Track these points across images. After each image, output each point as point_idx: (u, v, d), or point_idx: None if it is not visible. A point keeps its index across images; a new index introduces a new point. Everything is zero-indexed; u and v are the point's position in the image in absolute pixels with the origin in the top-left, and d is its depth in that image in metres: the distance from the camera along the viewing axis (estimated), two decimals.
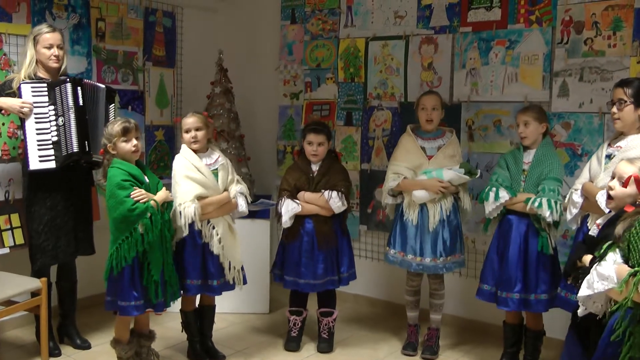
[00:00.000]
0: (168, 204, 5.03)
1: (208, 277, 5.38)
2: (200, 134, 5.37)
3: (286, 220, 5.72)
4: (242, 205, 5.51)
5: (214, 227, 5.35)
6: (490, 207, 5.30)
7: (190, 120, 5.38)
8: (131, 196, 4.81)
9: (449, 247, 5.66)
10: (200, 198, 5.26)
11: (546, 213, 5.03)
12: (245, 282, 5.59)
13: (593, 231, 4.19)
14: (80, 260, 5.81)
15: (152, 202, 4.85)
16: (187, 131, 5.37)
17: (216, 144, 5.69)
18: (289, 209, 5.72)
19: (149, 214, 4.82)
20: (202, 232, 5.33)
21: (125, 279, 4.86)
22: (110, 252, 4.86)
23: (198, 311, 5.69)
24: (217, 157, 5.49)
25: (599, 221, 4.20)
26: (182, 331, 5.74)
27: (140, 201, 4.82)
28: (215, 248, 5.34)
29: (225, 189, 5.46)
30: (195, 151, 5.39)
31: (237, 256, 5.48)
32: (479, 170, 5.76)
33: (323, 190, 5.76)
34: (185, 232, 5.23)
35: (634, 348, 3.51)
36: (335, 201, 5.72)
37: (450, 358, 5.92)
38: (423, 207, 5.66)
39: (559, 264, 5.23)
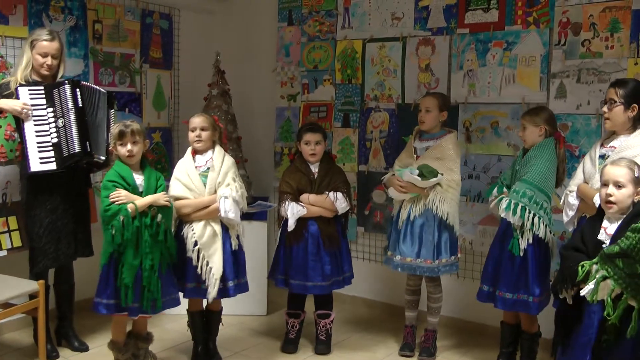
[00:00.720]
0: (160, 209, 4.97)
1: (201, 281, 5.31)
2: (204, 134, 5.37)
3: (292, 224, 5.70)
4: (222, 210, 5.30)
5: (192, 229, 5.30)
6: (489, 201, 5.41)
7: (197, 120, 5.41)
8: (110, 197, 4.83)
9: (443, 249, 5.65)
10: (180, 199, 5.28)
11: (502, 213, 5.10)
12: (245, 290, 5.55)
13: (602, 236, 4.14)
14: (78, 262, 5.79)
15: (129, 205, 4.82)
16: (192, 130, 5.38)
17: (223, 147, 5.61)
18: (294, 212, 5.71)
19: (120, 217, 4.80)
20: (182, 233, 5.31)
21: (102, 276, 4.92)
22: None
23: (204, 314, 5.67)
24: (208, 158, 5.44)
25: (604, 225, 4.17)
26: (187, 330, 5.73)
27: (116, 203, 4.82)
28: (188, 250, 5.27)
29: (215, 192, 5.38)
30: (197, 151, 5.41)
31: (217, 264, 5.29)
32: (440, 174, 5.53)
33: (327, 192, 5.77)
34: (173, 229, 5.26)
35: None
36: (341, 202, 5.77)
37: (447, 359, 5.92)
38: (411, 206, 5.65)
39: (536, 267, 5.14)
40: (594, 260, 3.81)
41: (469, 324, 6.52)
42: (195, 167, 5.38)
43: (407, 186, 5.57)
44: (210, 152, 5.46)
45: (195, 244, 5.26)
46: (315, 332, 6.06)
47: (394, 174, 5.71)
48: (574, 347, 4.07)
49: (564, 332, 4.19)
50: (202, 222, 5.30)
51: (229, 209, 5.31)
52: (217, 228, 5.34)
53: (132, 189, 4.93)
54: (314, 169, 5.86)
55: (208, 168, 5.39)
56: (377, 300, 7.20)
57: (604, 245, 4.01)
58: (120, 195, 4.85)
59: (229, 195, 5.32)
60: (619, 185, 4.02)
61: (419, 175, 5.48)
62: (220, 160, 5.43)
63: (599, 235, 4.15)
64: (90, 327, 6.26)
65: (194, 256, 5.25)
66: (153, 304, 4.97)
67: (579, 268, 3.86)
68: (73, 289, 5.90)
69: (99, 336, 6.09)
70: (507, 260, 5.18)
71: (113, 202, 4.82)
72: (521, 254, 5.10)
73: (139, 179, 5.02)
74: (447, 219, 5.58)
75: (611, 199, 4.03)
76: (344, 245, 5.97)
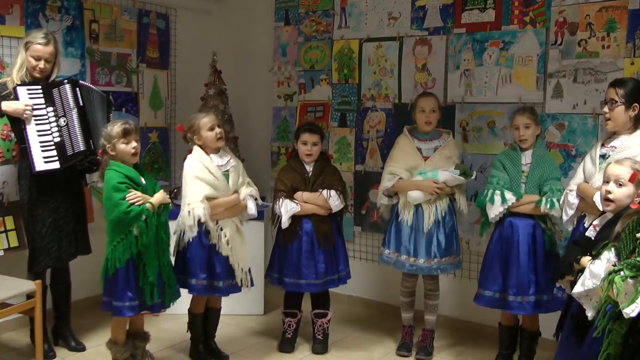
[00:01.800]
0: (165, 206, 5.01)
1: (214, 277, 5.38)
2: (222, 130, 5.45)
3: (286, 221, 5.70)
4: (252, 208, 5.52)
5: (222, 229, 5.36)
6: (497, 210, 5.27)
7: (211, 118, 5.44)
8: (126, 199, 4.79)
9: (444, 248, 5.64)
10: (209, 199, 5.28)
11: (559, 212, 5.05)
12: (252, 285, 5.62)
13: (590, 232, 4.18)
14: (75, 262, 5.78)
15: (147, 205, 4.82)
16: (212, 128, 5.38)
17: (227, 147, 5.69)
18: (288, 209, 5.71)
19: (144, 217, 4.80)
20: (210, 233, 5.33)
21: (120, 279, 4.84)
22: (107, 253, 4.85)
23: (204, 313, 5.70)
24: (228, 158, 5.51)
25: (595, 222, 4.20)
26: (187, 331, 5.75)
27: (136, 204, 4.80)
28: (224, 249, 5.35)
29: (236, 191, 5.48)
30: (212, 150, 5.44)
31: (245, 258, 5.49)
32: (475, 172, 5.77)
33: (321, 190, 5.77)
34: (194, 233, 5.26)
35: (611, 345, 3.52)
36: (334, 200, 5.76)
37: (444, 359, 5.91)
38: (418, 207, 5.65)
39: (551, 263, 5.19)
40: (628, 273, 3.65)
41: (466, 324, 6.51)
42: (216, 166, 5.42)
43: (443, 187, 5.58)
44: (226, 153, 5.54)
45: (228, 242, 5.37)
46: (313, 331, 6.06)
47: (401, 178, 5.69)
48: (565, 325, 4.21)
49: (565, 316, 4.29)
50: (229, 221, 5.43)
51: (254, 208, 5.56)
52: (239, 224, 5.55)
53: (142, 189, 4.94)
54: (309, 168, 5.87)
55: (228, 168, 5.47)
56: (374, 299, 7.19)
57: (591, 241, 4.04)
58: (138, 195, 4.85)
59: (254, 194, 5.58)
60: (619, 184, 4.02)
61: (460, 175, 5.59)
62: (237, 162, 5.60)
63: (587, 232, 4.23)
64: (87, 326, 6.26)
65: (230, 253, 5.38)
66: (171, 298, 5.10)
67: (606, 282, 3.73)
68: (70, 288, 5.88)
69: (95, 336, 6.09)
70: (524, 263, 5.17)
71: (133, 204, 4.80)
72: (559, 251, 5.16)
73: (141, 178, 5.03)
74: (462, 215, 5.78)
75: (610, 196, 4.03)
76: (340, 244, 5.96)
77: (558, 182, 5.13)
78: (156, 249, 4.92)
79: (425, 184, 5.59)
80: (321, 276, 5.76)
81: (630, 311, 3.37)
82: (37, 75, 5.41)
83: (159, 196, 4.97)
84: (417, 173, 5.66)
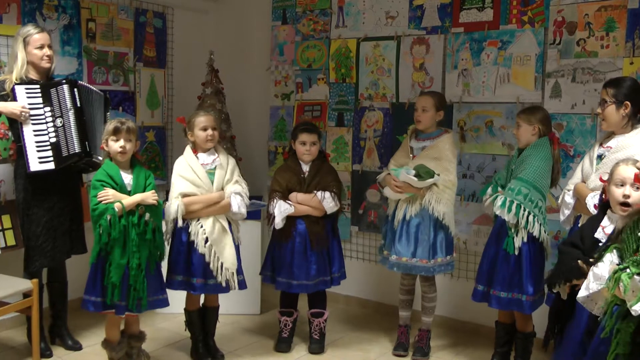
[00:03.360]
0: (146, 207, 4.99)
1: (190, 274, 5.40)
2: (216, 133, 5.47)
3: (279, 222, 5.70)
4: (235, 206, 5.46)
5: (201, 226, 5.36)
6: (484, 202, 5.38)
7: (208, 119, 5.46)
8: (97, 196, 4.85)
9: (438, 248, 5.64)
10: (188, 196, 5.32)
11: (497, 210, 5.09)
12: (243, 287, 5.58)
13: (599, 235, 4.12)
14: (71, 261, 5.80)
15: (116, 204, 4.84)
16: (205, 129, 5.41)
17: (221, 145, 5.73)
18: (281, 210, 5.71)
19: (108, 216, 4.82)
20: (190, 230, 5.35)
21: (90, 274, 4.96)
22: None
23: (201, 311, 5.71)
24: (215, 157, 5.52)
25: (603, 224, 4.14)
26: (185, 330, 5.77)
27: (103, 202, 4.84)
28: (200, 247, 5.34)
29: (222, 189, 5.48)
30: (202, 149, 5.46)
31: (230, 258, 5.42)
32: (437, 175, 5.53)
33: (315, 191, 5.76)
34: (167, 228, 5.38)
35: (620, 345, 3.51)
36: (328, 202, 5.75)
37: (441, 359, 5.92)
38: (407, 206, 5.64)
39: (530, 266, 5.13)
40: (634, 270, 3.66)
41: (463, 324, 6.52)
42: (201, 164, 5.43)
43: (403, 186, 5.56)
44: (216, 152, 5.54)
45: (206, 240, 5.34)
46: (309, 331, 6.06)
47: (389, 173, 5.70)
48: (567, 342, 4.11)
49: (558, 327, 4.24)
50: (211, 219, 5.39)
51: (240, 205, 5.48)
52: (225, 224, 5.46)
53: (120, 187, 4.95)
54: (305, 168, 5.87)
55: (215, 166, 5.47)
56: (370, 299, 7.19)
57: (600, 244, 3.98)
58: (108, 194, 4.87)
59: (240, 192, 5.50)
60: (637, 187, 3.98)
61: (415, 176, 5.47)
62: (226, 159, 5.57)
63: (596, 234, 4.13)
64: (84, 325, 6.26)
65: (206, 252, 5.33)
66: (138, 303, 5.01)
67: (612, 281, 3.72)
68: (66, 287, 5.89)
69: (92, 335, 6.09)
70: (502, 259, 5.17)
71: (100, 202, 4.84)
72: (516, 252, 5.10)
73: (127, 177, 5.04)
74: (443, 219, 5.58)
75: (629, 200, 3.97)
76: (335, 245, 5.95)
77: (520, 183, 5.05)
78: (123, 250, 4.91)
79: (387, 181, 5.69)
80: (313, 278, 5.76)
81: (638, 308, 3.38)
82: (46, 65, 5.44)
83: (137, 197, 4.97)
84: (391, 169, 5.71)
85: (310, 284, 5.77)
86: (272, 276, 5.89)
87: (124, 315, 5.04)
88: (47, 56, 5.42)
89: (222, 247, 5.41)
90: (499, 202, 5.09)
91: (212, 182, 5.43)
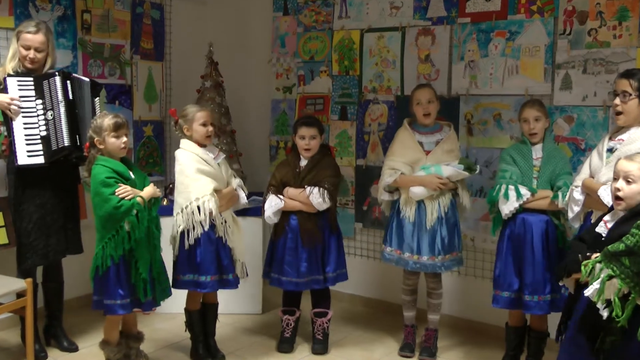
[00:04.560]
0: (155, 200, 4.99)
1: (223, 271, 5.45)
2: (214, 129, 5.51)
3: (269, 216, 5.75)
4: (244, 197, 5.65)
5: (225, 221, 5.44)
6: (512, 206, 5.14)
7: (206, 114, 5.47)
8: (116, 193, 4.77)
9: (447, 244, 5.61)
10: (215, 191, 5.36)
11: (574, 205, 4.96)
12: (247, 275, 5.69)
13: (600, 228, 4.11)
14: (67, 260, 5.76)
15: (138, 199, 4.81)
16: (204, 124, 5.41)
17: (213, 140, 5.80)
18: (271, 204, 5.74)
19: (135, 211, 4.78)
20: (216, 226, 5.39)
21: (111, 277, 4.84)
22: (97, 251, 4.83)
23: (201, 310, 5.70)
24: (217, 150, 5.61)
25: (606, 218, 4.13)
26: (185, 331, 5.74)
27: (126, 198, 4.78)
28: (230, 241, 5.46)
29: (228, 183, 5.58)
30: (204, 145, 5.46)
31: (242, 249, 5.60)
32: (478, 166, 5.72)
33: (306, 186, 5.73)
34: (206, 227, 5.32)
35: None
36: (315, 197, 5.68)
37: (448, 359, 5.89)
38: (420, 203, 5.61)
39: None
40: (597, 258, 3.76)
41: (471, 323, 6.47)
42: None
43: (447, 182, 5.56)
44: (210, 146, 5.57)
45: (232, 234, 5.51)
46: (312, 330, 6.03)
47: (402, 173, 5.63)
48: (570, 327, 4.14)
49: (567, 318, 4.24)
50: (228, 212, 5.53)
51: (245, 197, 5.70)
52: (234, 215, 5.65)
53: (131, 183, 4.91)
54: (303, 162, 5.84)
55: (219, 161, 5.54)
56: (375, 298, 7.16)
57: (603, 239, 3.99)
58: (127, 189, 4.82)
59: (242, 185, 5.71)
60: (628, 180, 3.94)
61: (464, 170, 5.58)
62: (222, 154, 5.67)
63: (597, 228, 4.13)
64: (80, 326, 6.23)
65: (234, 245, 5.51)
66: (161, 296, 5.10)
67: (582, 267, 3.83)
68: (62, 287, 5.86)
69: (88, 336, 6.06)
70: (556, 259, 5.09)
71: (123, 198, 4.78)
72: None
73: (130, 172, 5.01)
74: (465, 210, 5.75)
75: (619, 194, 3.96)
76: (333, 243, 5.88)
77: (571, 176, 5.05)
78: (148, 244, 4.91)
79: (428, 180, 5.54)
80: (303, 275, 5.73)
81: (588, 292, 3.70)
82: (29, 65, 5.38)
83: (149, 190, 4.96)
84: (421, 168, 5.62)
85: (301, 282, 5.74)
86: (269, 272, 5.91)
87: (152, 310, 5.07)
88: (30, 59, 5.35)
89: (237, 238, 5.57)
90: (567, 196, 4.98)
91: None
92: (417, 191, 5.57)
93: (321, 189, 5.68)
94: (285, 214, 5.77)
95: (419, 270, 5.75)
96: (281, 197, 5.74)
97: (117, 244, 4.78)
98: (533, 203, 5.13)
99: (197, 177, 5.31)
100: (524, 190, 5.12)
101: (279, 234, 5.81)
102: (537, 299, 5.11)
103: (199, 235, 5.31)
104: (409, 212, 5.64)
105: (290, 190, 5.76)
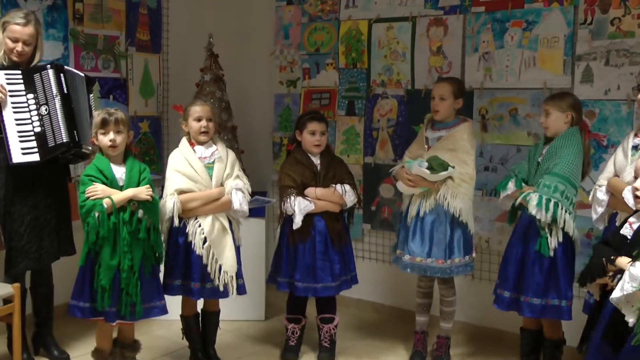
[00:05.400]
0: (140, 203, 4.92)
1: (189, 278, 5.34)
2: (211, 124, 5.40)
3: (299, 221, 5.61)
4: (236, 203, 5.39)
5: (200, 225, 5.29)
6: (501, 196, 5.32)
7: (202, 109, 5.41)
8: (85, 192, 4.79)
9: (455, 248, 5.57)
10: (184, 192, 5.25)
11: (532, 210, 4.95)
12: (242, 292, 5.51)
13: (626, 230, 4.05)
14: (58, 263, 5.71)
15: (104, 200, 4.77)
16: (199, 119, 5.36)
17: (220, 138, 5.75)
18: (301, 207, 5.62)
19: (95, 213, 4.76)
20: (187, 230, 5.29)
21: (78, 277, 4.92)
22: None
23: (200, 317, 5.66)
24: (214, 149, 5.47)
25: (632, 219, 4.07)
26: (182, 338, 5.69)
27: (91, 198, 4.77)
28: (198, 248, 5.27)
29: (222, 184, 5.41)
30: (198, 142, 5.40)
31: (229, 260, 5.35)
32: (451, 168, 5.47)
33: (334, 185, 5.70)
34: (162, 228, 5.23)
35: None
36: (350, 195, 5.74)
37: None
38: (422, 201, 5.59)
39: (566, 268, 5.07)
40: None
41: (485, 330, 6.43)
42: (199, 157, 5.39)
43: (415, 180, 5.52)
44: (214, 144, 5.51)
45: (205, 240, 5.28)
46: (318, 338, 5.99)
47: (403, 166, 5.65)
48: (590, 348, 4.13)
49: (592, 325, 4.25)
50: (210, 217, 5.32)
51: (242, 202, 5.43)
52: (225, 223, 5.39)
53: (110, 182, 4.89)
54: (316, 160, 5.79)
55: (214, 160, 5.42)
56: (384, 303, 7.14)
57: (628, 241, 3.97)
58: (97, 189, 4.81)
59: (241, 188, 5.46)
60: None
61: (428, 168, 5.42)
62: (225, 152, 5.52)
63: (622, 230, 4.11)
64: (72, 334, 6.19)
65: (204, 254, 5.26)
66: (132, 310, 4.93)
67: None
68: (52, 292, 5.82)
69: (80, 344, 6.03)
70: (533, 262, 5.06)
71: (88, 198, 4.77)
72: (551, 254, 4.98)
73: (119, 171, 4.97)
74: (459, 216, 5.50)
75: (638, 193, 3.91)
76: (349, 243, 5.92)
77: (555, 177, 4.94)
78: (113, 251, 4.84)
79: (400, 174, 5.66)
80: (337, 278, 5.70)
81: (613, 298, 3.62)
82: (15, 58, 5.32)
83: (128, 192, 4.89)
84: (404, 162, 5.67)
85: (335, 285, 5.71)
86: (290, 282, 5.78)
87: (115, 323, 4.96)
88: (17, 52, 5.29)
89: (222, 248, 5.34)
90: (534, 200, 4.94)
91: (211, 177, 5.36)
92: (399, 186, 5.74)
93: (351, 186, 5.75)
94: (308, 216, 5.66)
95: (428, 275, 5.72)
96: (309, 198, 5.66)
97: (84, 244, 4.84)
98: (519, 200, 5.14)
99: (169, 176, 5.32)
100: (510, 184, 5.24)
101: (303, 239, 5.68)
102: (523, 299, 5.13)
103: (164, 237, 5.30)
104: (404, 208, 5.75)
105: (319, 191, 5.69)
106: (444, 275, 5.60)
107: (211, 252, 5.27)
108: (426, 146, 5.67)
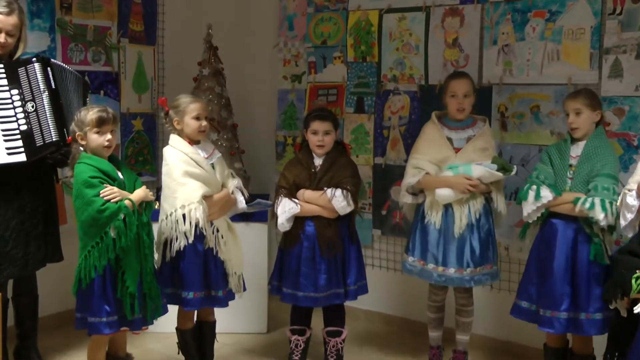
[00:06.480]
0: (147, 204, 4.92)
1: (211, 287, 5.32)
2: (207, 124, 5.41)
3: (282, 223, 5.64)
4: (242, 202, 5.53)
5: (217, 230, 5.31)
6: (530, 208, 5.12)
7: (201, 106, 5.37)
8: (101, 195, 4.67)
9: (478, 256, 5.52)
10: (205, 198, 5.23)
11: (600, 215, 4.81)
12: (244, 289, 5.55)
13: None
14: (43, 271, 5.66)
15: (126, 202, 4.72)
16: (197, 118, 5.29)
17: (220, 136, 5.87)
18: (285, 209, 5.63)
19: (122, 215, 4.69)
20: (206, 237, 5.25)
21: (96, 290, 4.75)
22: (79, 261, 4.74)
23: (196, 329, 5.59)
24: (212, 148, 5.50)
25: None
26: (178, 353, 5.62)
27: (112, 200, 4.68)
28: (223, 253, 5.31)
29: (223, 185, 5.47)
30: (196, 142, 5.37)
31: (239, 260, 5.46)
32: (515, 166, 5.58)
33: (325, 188, 5.62)
34: (191, 239, 5.15)
35: None
36: (339, 200, 5.59)
37: None
38: (448, 208, 5.53)
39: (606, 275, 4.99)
40: None
41: (505, 345, 6.37)
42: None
43: (478, 184, 5.45)
44: (207, 143, 5.55)
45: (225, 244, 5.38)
46: (324, 352, 5.94)
47: (427, 173, 5.57)
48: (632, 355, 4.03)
49: (618, 348, 4.21)
50: (222, 220, 5.40)
51: (244, 201, 5.57)
52: (229, 221, 5.51)
53: (118, 184, 4.85)
54: (318, 161, 5.76)
55: (213, 161, 5.44)
56: (396, 315, 7.10)
57: None
58: (114, 191, 4.73)
59: (240, 186, 5.57)
60: None
61: (499, 170, 5.46)
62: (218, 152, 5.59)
63: None
64: (57, 347, 6.21)
65: (227, 258, 5.33)
66: (153, 314, 5.01)
67: (633, 280, 3.67)
68: (36, 302, 5.80)
69: (66, 358, 6.06)
70: (587, 274, 4.93)
71: (108, 201, 4.68)
72: (608, 262, 4.87)
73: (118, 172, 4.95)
74: (500, 217, 5.65)
75: None
76: (353, 253, 5.81)
77: (609, 179, 4.89)
78: (137, 254, 4.84)
79: (456, 181, 5.47)
80: (322, 289, 5.63)
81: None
82: None
83: (140, 192, 4.89)
84: (447, 168, 5.56)
85: (320, 296, 5.64)
86: (279, 287, 5.80)
87: (142, 329, 4.99)
88: (1, 43, 5.23)
89: (233, 249, 5.44)
90: (598, 205, 4.80)
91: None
92: (444, 194, 5.49)
93: (344, 190, 5.59)
94: (299, 219, 5.67)
95: (445, 285, 5.68)
96: (296, 200, 5.63)
97: (102, 252, 4.69)
98: (559, 207, 5.03)
99: (184, 182, 5.18)
100: (545, 192, 5.07)
101: (292, 243, 5.69)
102: (549, 314, 5.04)
103: (181, 248, 5.17)
104: (434, 218, 5.58)
105: (307, 193, 5.66)
106: (462, 285, 5.61)
107: (225, 255, 5.37)
108: (453, 148, 5.62)
